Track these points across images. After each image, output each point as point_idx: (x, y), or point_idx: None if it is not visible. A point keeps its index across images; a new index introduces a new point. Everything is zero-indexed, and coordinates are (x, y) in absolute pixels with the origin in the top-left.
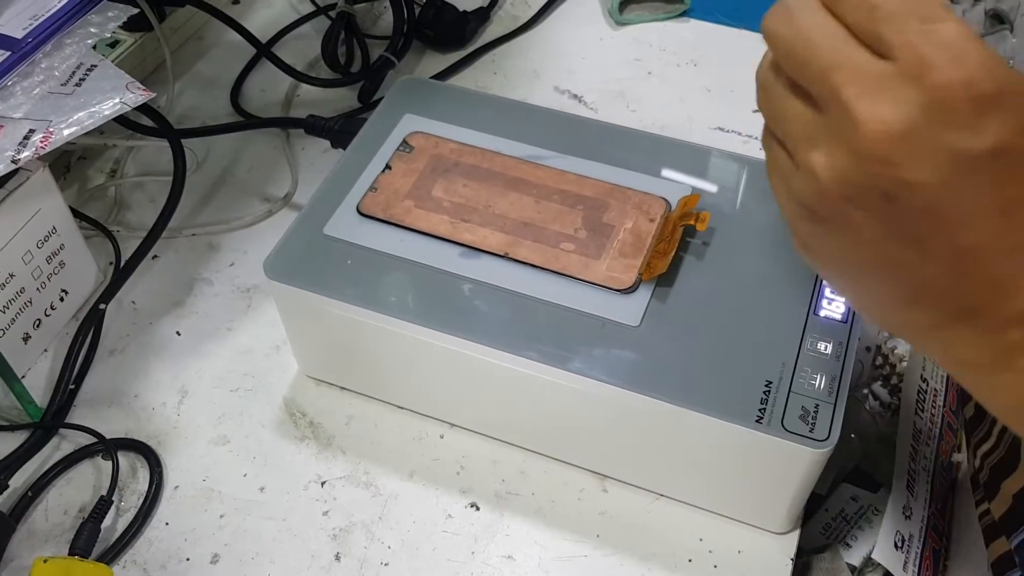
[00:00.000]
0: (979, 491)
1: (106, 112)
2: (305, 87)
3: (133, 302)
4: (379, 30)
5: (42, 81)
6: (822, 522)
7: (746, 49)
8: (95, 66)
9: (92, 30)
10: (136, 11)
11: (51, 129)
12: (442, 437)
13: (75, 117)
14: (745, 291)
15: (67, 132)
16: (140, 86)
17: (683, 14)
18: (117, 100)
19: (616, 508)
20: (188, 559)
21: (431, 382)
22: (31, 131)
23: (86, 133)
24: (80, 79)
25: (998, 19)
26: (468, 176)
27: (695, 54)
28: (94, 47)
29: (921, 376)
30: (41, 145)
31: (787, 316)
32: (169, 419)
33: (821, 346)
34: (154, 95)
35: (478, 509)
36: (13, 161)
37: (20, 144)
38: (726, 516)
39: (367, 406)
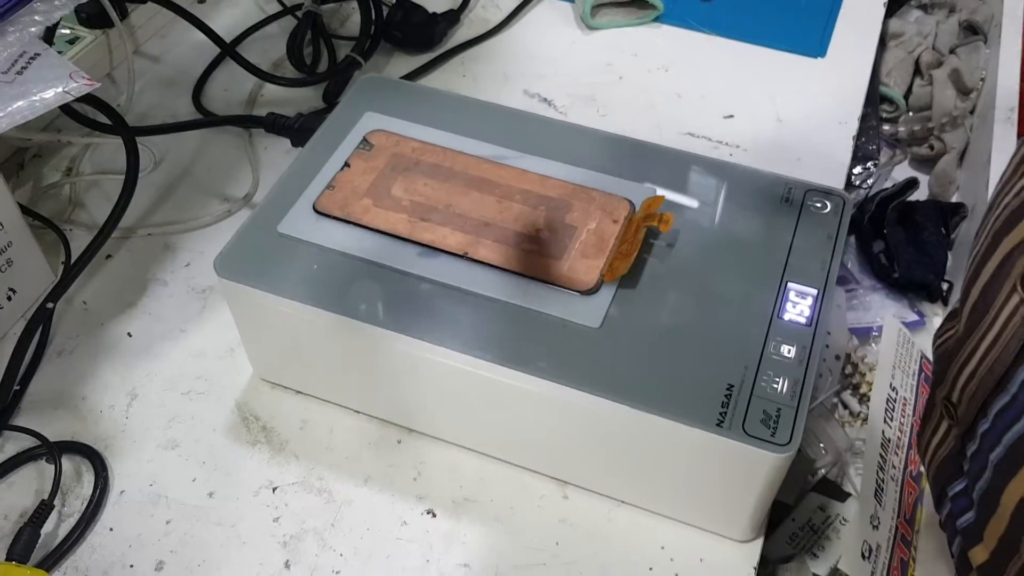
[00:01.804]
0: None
1: (48, 101)
2: (270, 87)
3: (84, 302)
4: (347, 31)
5: None
6: (788, 532)
7: (717, 55)
8: (38, 55)
9: (37, 18)
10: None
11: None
12: (399, 442)
13: (14, 106)
14: (708, 294)
15: (4, 121)
16: (84, 75)
17: (655, 20)
18: (60, 89)
19: (576, 515)
20: (132, 566)
21: (388, 385)
22: None
23: (41, 129)
24: (22, 67)
25: (972, 30)
26: (429, 175)
27: (666, 59)
28: (49, 41)
29: (890, 385)
30: None
31: (750, 319)
32: (117, 422)
33: (784, 350)
34: (98, 84)
35: (435, 516)
36: None
37: None
38: (688, 523)
39: (322, 410)
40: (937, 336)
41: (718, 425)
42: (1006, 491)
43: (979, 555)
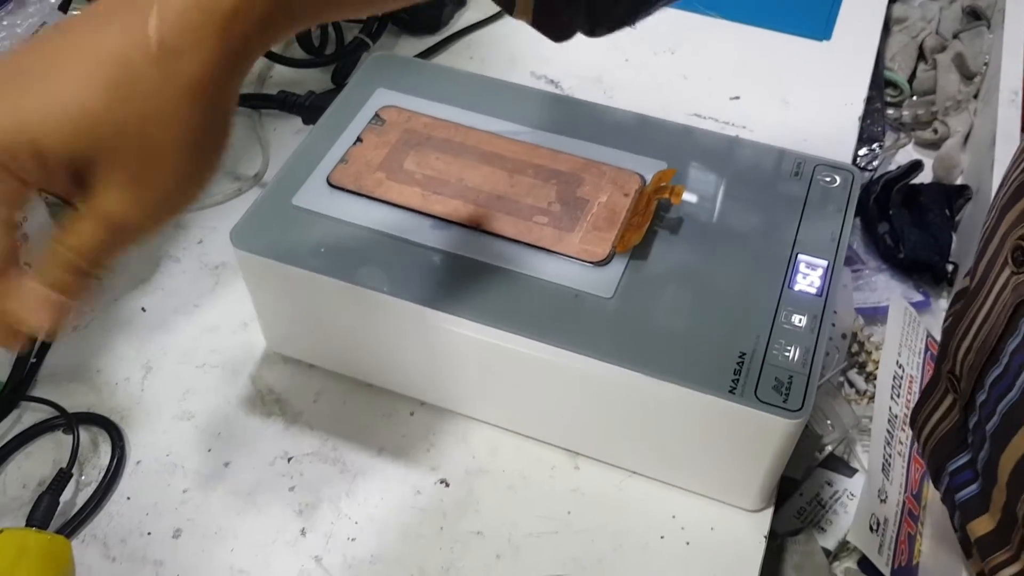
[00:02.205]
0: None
1: None
2: (278, 69)
3: (97, 277)
4: None
5: (3, 39)
6: (796, 506)
7: (722, 38)
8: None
9: None
10: None
11: None
12: (412, 414)
13: None
14: (720, 265)
15: None
16: None
17: None
18: None
19: (588, 485)
20: (149, 533)
21: (401, 356)
22: None
23: None
24: None
25: (975, 15)
26: (440, 150)
27: (672, 42)
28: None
29: (897, 362)
30: None
31: (762, 289)
32: (132, 394)
33: (796, 319)
34: None
35: (448, 486)
36: None
37: None
38: (699, 493)
39: (336, 383)
40: (947, 314)
41: (731, 392)
42: (1001, 460)
43: (980, 526)
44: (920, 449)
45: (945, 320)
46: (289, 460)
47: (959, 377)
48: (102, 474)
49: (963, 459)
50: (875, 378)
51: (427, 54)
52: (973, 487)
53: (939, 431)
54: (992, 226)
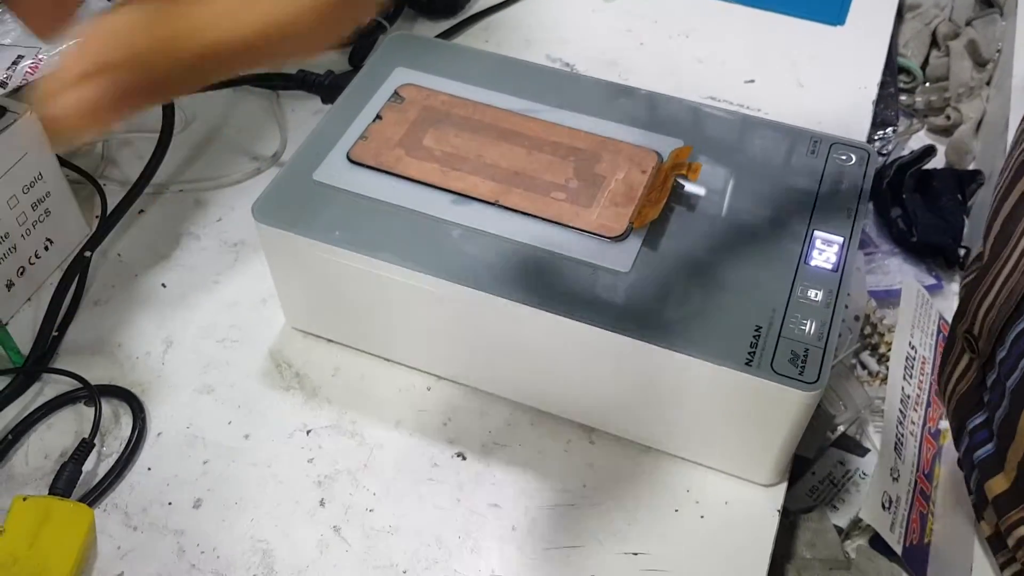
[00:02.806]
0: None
1: None
2: None
3: (119, 255)
4: None
5: None
6: (809, 485)
7: (736, 22)
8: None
9: None
10: None
11: (40, 56)
12: (429, 389)
13: (64, 47)
14: (736, 241)
15: (56, 61)
16: None
17: None
18: None
19: (603, 459)
20: (170, 503)
21: (419, 331)
22: (19, 56)
23: None
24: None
25: (988, 3)
26: (459, 127)
27: (687, 26)
28: None
29: (910, 344)
30: (29, 72)
31: (778, 265)
32: (153, 368)
33: (812, 294)
34: None
35: (464, 459)
36: (1, 84)
37: (8, 69)
38: (714, 468)
39: (354, 358)
40: (962, 279)
41: (747, 364)
42: (1022, 416)
43: (997, 485)
44: (945, 408)
45: (962, 282)
46: (308, 433)
47: (978, 336)
48: (123, 445)
49: (980, 418)
50: (887, 360)
51: (444, 36)
52: (989, 446)
53: (959, 390)
54: (1009, 182)
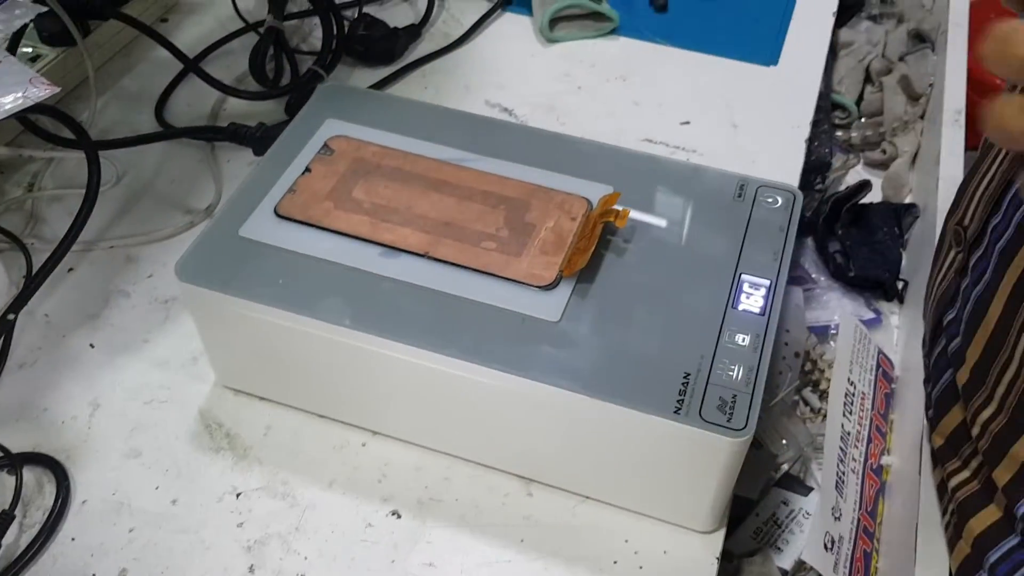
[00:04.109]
0: (958, 458)
1: (7, 107)
2: (232, 101)
3: (46, 315)
4: (310, 46)
5: None
6: (753, 526)
7: (672, 65)
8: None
9: None
10: (45, 9)
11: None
12: (364, 445)
13: None
14: (664, 286)
15: None
16: (45, 81)
17: (612, 32)
18: (19, 95)
19: (541, 512)
20: (94, 575)
21: (352, 386)
22: None
23: (4, 145)
24: None
25: (920, 38)
26: (389, 178)
27: (623, 70)
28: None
29: (848, 380)
30: None
31: (706, 310)
32: (79, 433)
33: (739, 338)
34: (58, 89)
35: (399, 517)
36: None
37: None
38: (651, 516)
39: (286, 415)
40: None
41: (675, 413)
42: (996, 295)
43: (965, 375)
44: (927, 308)
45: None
46: (238, 496)
47: (966, 227)
48: (46, 515)
49: (952, 314)
50: (829, 396)
51: (382, 84)
52: (957, 341)
53: (940, 288)
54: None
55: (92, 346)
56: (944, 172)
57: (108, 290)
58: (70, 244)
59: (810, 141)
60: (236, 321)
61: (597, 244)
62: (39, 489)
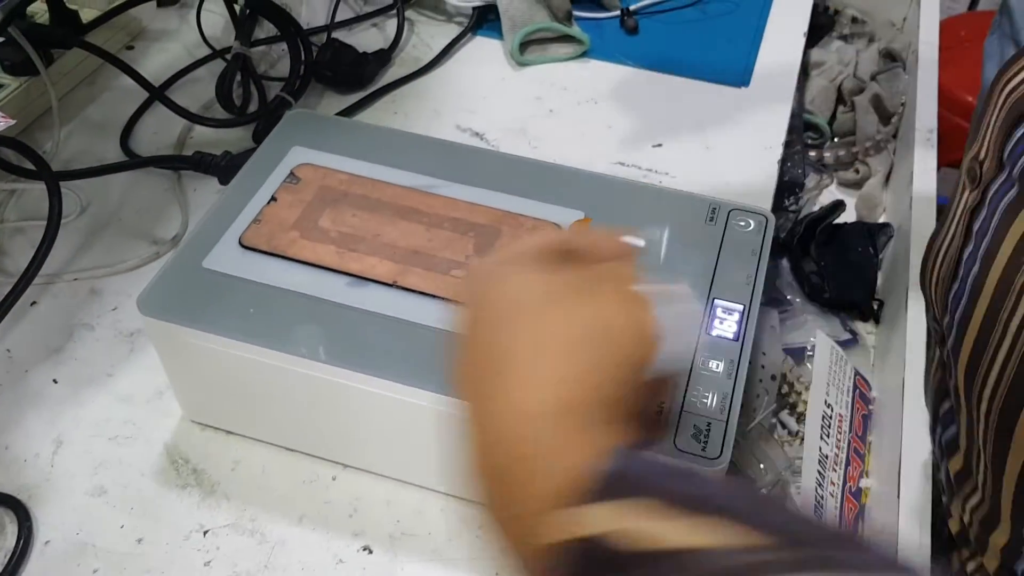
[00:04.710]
0: (970, 546)
1: None
2: (199, 129)
3: (8, 350)
4: (278, 72)
5: None
6: None
7: (643, 87)
8: None
9: None
10: (6, 39)
11: None
12: (334, 479)
13: None
14: None
15: None
16: (1, 114)
17: (583, 55)
18: None
19: None
20: None
21: (320, 419)
22: None
23: None
24: None
25: (891, 58)
26: (357, 206)
27: (595, 93)
28: None
29: (825, 402)
30: None
31: None
32: (42, 471)
33: (713, 365)
34: (14, 122)
35: (371, 552)
36: None
37: None
38: None
39: (254, 450)
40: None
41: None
42: (999, 255)
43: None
44: (929, 281)
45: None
46: (205, 533)
47: (982, 161)
48: (7, 557)
49: (956, 285)
50: (806, 418)
51: (351, 110)
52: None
53: (943, 265)
54: None
55: (55, 381)
56: (917, 191)
57: (71, 324)
58: (32, 277)
59: (783, 162)
60: (200, 355)
61: None
62: (1, 530)
